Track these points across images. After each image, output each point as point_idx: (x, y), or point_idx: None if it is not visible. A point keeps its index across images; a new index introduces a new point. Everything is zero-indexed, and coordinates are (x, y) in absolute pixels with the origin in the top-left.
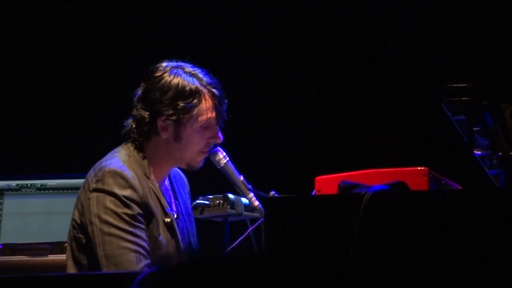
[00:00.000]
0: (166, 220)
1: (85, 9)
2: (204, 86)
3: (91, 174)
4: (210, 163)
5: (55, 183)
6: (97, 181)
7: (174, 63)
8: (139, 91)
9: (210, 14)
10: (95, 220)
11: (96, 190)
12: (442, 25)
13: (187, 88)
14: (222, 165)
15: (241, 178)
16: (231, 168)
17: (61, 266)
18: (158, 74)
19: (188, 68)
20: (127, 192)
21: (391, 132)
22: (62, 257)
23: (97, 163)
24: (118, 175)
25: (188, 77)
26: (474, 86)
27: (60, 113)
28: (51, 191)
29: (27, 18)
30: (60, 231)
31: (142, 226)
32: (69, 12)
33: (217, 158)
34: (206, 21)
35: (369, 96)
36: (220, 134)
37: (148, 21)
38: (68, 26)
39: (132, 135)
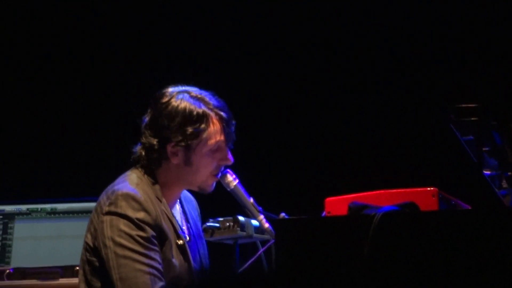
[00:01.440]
0: (178, 242)
1: (91, 36)
2: (211, 110)
3: (103, 197)
4: (220, 185)
5: (65, 207)
6: (110, 204)
7: (180, 88)
8: (146, 118)
9: (217, 33)
10: (109, 243)
11: (109, 213)
12: (451, 45)
13: (194, 112)
14: (232, 187)
15: (251, 200)
16: (241, 190)
17: None
18: (164, 100)
19: (194, 92)
20: (141, 215)
21: (400, 153)
22: (73, 280)
23: (109, 187)
24: (131, 198)
25: (194, 101)
26: (483, 106)
27: (70, 138)
28: (61, 215)
29: (36, 41)
30: (70, 255)
31: (156, 248)
32: (77, 36)
33: (227, 181)
34: (214, 41)
35: (378, 117)
36: (230, 156)
37: (156, 46)
38: (78, 48)
39: (142, 162)
